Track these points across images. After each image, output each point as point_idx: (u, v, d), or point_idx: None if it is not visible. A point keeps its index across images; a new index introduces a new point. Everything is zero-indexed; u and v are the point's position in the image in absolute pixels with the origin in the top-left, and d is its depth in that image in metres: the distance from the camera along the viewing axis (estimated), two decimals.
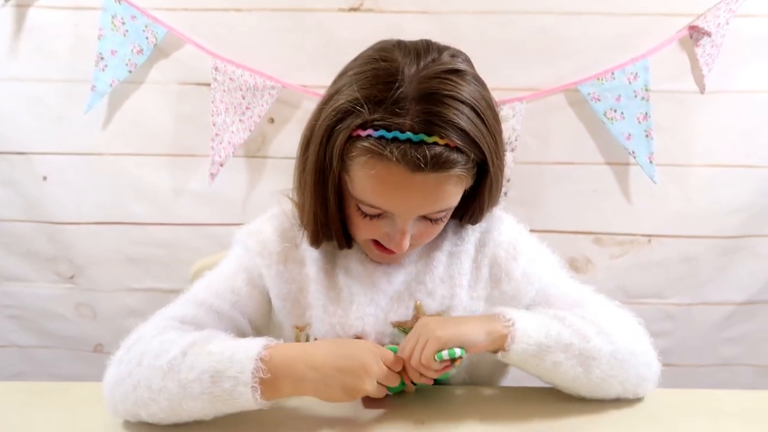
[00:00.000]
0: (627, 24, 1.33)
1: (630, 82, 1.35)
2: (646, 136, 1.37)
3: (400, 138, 0.66)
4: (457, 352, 0.72)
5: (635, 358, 0.78)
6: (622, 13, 1.33)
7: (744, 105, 1.39)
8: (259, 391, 0.68)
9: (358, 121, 0.68)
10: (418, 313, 0.82)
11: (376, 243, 0.79)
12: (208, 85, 1.37)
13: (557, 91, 1.38)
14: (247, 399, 0.68)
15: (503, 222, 0.88)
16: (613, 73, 1.35)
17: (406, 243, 0.75)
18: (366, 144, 0.68)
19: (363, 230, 0.77)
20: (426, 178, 0.68)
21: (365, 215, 0.75)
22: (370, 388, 0.71)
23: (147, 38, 1.36)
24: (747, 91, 1.38)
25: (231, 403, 0.69)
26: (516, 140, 1.38)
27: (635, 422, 0.77)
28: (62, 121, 1.43)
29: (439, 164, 0.67)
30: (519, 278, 0.84)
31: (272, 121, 1.43)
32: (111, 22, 1.35)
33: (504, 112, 1.36)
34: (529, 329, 0.74)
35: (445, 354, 0.71)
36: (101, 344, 1.57)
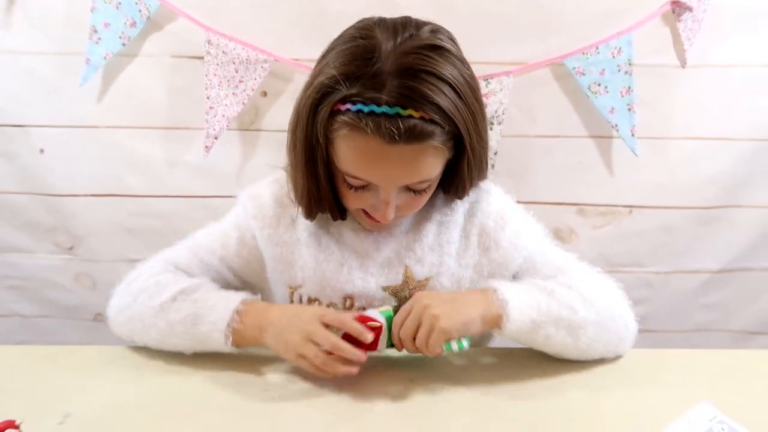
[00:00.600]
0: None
1: (614, 57, 1.38)
2: (629, 109, 1.41)
3: (376, 111, 0.70)
4: (465, 344, 0.77)
5: (615, 321, 0.84)
6: None
7: (723, 78, 1.43)
8: (230, 339, 0.82)
9: (338, 96, 0.72)
10: (407, 278, 0.87)
11: (366, 212, 0.84)
12: (201, 58, 1.38)
13: (543, 65, 1.41)
14: (220, 343, 0.82)
15: (491, 193, 0.93)
16: (597, 48, 1.38)
17: (391, 213, 0.80)
18: (345, 118, 0.72)
19: (351, 201, 0.82)
20: (403, 149, 0.72)
21: (351, 187, 0.79)
22: (309, 353, 0.77)
23: (140, 11, 1.38)
24: (726, 65, 1.42)
25: (207, 344, 0.84)
26: (503, 114, 1.42)
27: (614, 380, 0.83)
28: (57, 94, 1.45)
29: (414, 136, 0.70)
30: (506, 246, 0.89)
31: (265, 94, 1.45)
32: None
33: (492, 86, 1.40)
34: (522, 307, 0.79)
35: (454, 347, 0.77)
36: (100, 314, 1.61)
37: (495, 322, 0.79)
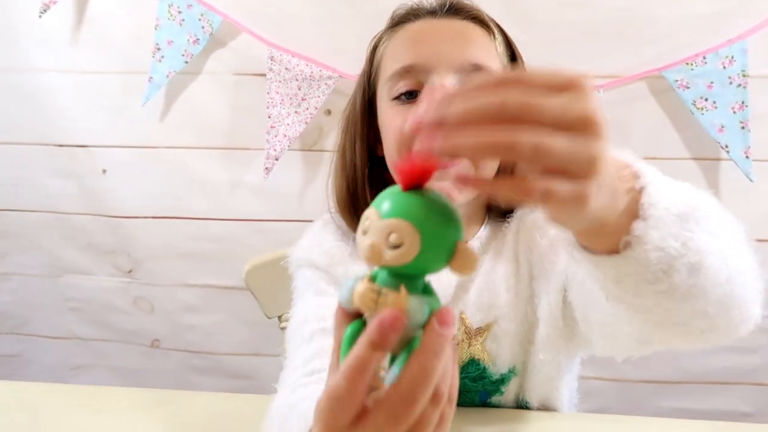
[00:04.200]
0: (720, 1, 1.19)
1: (724, 67, 1.20)
2: (742, 127, 1.23)
3: (418, 5, 0.73)
4: None
5: (745, 276, 0.50)
6: None
7: None
8: None
9: (380, 32, 0.76)
10: (463, 326, 0.73)
11: None
12: (264, 75, 1.33)
13: (639, 78, 1.25)
14: None
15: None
16: (704, 57, 1.21)
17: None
18: (390, 27, 0.74)
19: (399, 126, 0.67)
20: (450, 21, 0.71)
21: (402, 102, 0.68)
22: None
23: (203, 27, 1.33)
24: None
25: None
26: None
27: None
28: (121, 113, 1.42)
29: (459, 9, 0.71)
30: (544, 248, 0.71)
31: (329, 113, 1.37)
32: (167, 11, 1.32)
33: None
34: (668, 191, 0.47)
35: None
36: (158, 339, 1.56)
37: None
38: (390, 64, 0.70)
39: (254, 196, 1.43)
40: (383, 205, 0.36)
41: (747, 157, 1.23)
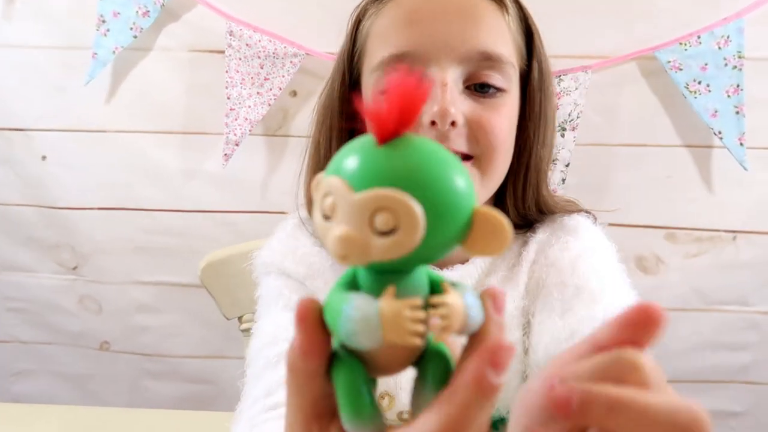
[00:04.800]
0: None
1: (720, 48, 1.13)
2: (737, 112, 1.15)
3: None
4: None
5: None
6: None
7: None
8: None
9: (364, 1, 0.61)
10: None
11: None
12: (222, 52, 1.20)
13: (629, 59, 1.17)
14: None
15: (579, 232, 0.62)
16: (699, 37, 1.13)
17: (450, 99, 0.54)
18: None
19: None
20: None
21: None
22: None
23: None
24: None
25: None
26: (578, 117, 1.17)
27: None
28: (62, 94, 1.28)
29: None
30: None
31: (294, 94, 1.25)
32: None
33: (565, 84, 1.16)
34: None
35: None
36: (107, 342, 1.43)
37: None
38: (378, 48, 0.58)
39: (213, 185, 1.31)
40: (352, 169, 0.24)
41: (741, 144, 1.16)
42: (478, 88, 0.56)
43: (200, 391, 1.42)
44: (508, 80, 0.57)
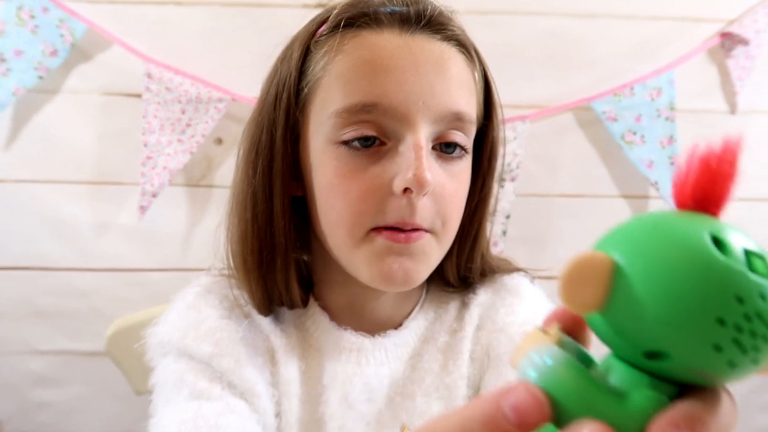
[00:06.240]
0: (651, 30, 1.13)
1: (652, 99, 1.13)
2: (672, 163, 1.15)
3: (377, 8, 0.51)
4: None
5: None
6: (644, 16, 1.12)
7: None
8: None
9: (315, 25, 0.53)
10: None
11: (383, 231, 0.50)
12: (140, 95, 1.11)
13: (566, 109, 1.15)
14: None
15: (522, 296, 0.59)
16: (632, 88, 1.13)
17: (427, 166, 0.48)
18: (335, 25, 0.51)
19: (358, 189, 0.49)
20: (428, 43, 0.50)
21: (353, 149, 0.49)
22: None
23: (62, 36, 1.10)
24: None
25: None
26: (517, 167, 1.14)
27: None
28: None
29: (437, 23, 0.51)
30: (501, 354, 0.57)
31: (220, 141, 1.17)
32: (16, 14, 1.08)
33: (503, 134, 1.13)
34: None
35: None
36: (0, 421, 1.24)
37: None
38: (338, 91, 0.50)
39: (127, 240, 1.19)
40: None
41: None
42: (443, 148, 0.51)
43: None
44: (470, 139, 0.52)
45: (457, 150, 0.51)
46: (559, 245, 1.22)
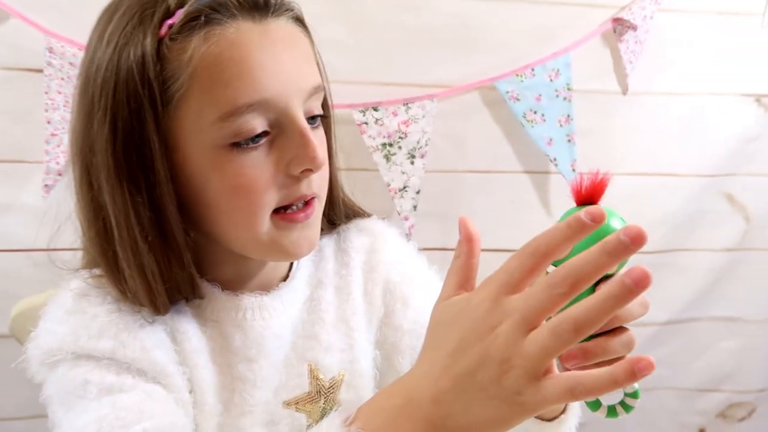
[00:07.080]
0: (550, 14, 1.18)
1: (551, 80, 1.20)
2: (569, 141, 1.23)
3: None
4: None
5: None
6: (544, 2, 1.18)
7: (668, 108, 1.29)
8: None
9: (159, 15, 0.49)
10: (314, 380, 0.60)
11: (282, 213, 0.54)
12: (41, 71, 1.08)
13: (472, 89, 1.21)
14: None
15: (388, 238, 0.70)
16: (533, 69, 1.19)
17: (317, 144, 0.52)
18: (191, 29, 0.49)
19: (260, 183, 0.51)
20: (278, 25, 0.52)
21: (247, 144, 0.50)
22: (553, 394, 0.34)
23: None
24: (671, 92, 1.28)
25: None
26: (426, 145, 1.19)
27: None
28: None
29: (280, 3, 0.52)
30: (419, 308, 0.65)
31: None
32: None
33: (412, 112, 1.17)
34: None
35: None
36: None
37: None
38: (216, 97, 0.49)
39: (32, 220, 1.15)
40: None
41: (573, 170, 1.24)
42: (310, 121, 0.54)
43: None
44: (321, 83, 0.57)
45: (318, 119, 0.56)
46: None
